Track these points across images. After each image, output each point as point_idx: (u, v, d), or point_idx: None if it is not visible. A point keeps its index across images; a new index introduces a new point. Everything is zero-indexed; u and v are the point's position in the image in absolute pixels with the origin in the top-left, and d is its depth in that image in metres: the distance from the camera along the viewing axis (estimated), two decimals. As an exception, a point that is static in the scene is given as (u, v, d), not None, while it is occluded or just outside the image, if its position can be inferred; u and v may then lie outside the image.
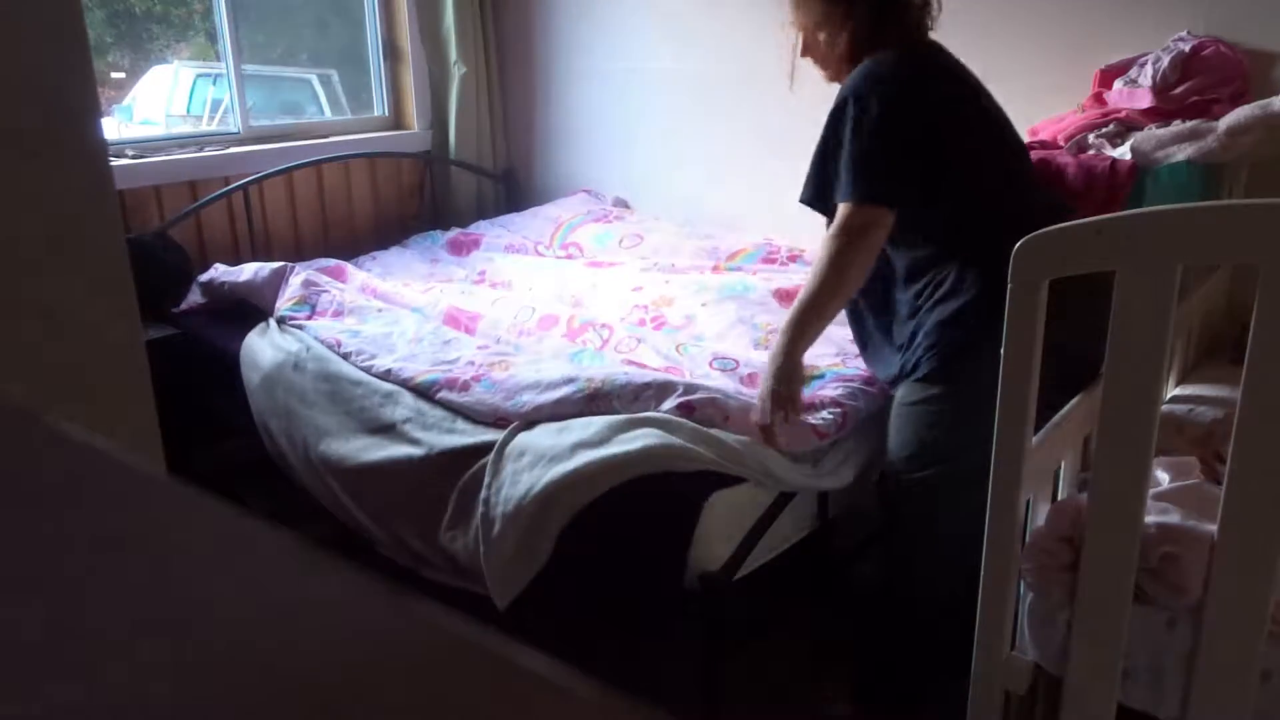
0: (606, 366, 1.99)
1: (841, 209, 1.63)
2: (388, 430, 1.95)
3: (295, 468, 2.14)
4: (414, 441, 1.88)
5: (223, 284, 2.56)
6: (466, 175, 3.41)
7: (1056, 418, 1.42)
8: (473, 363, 2.06)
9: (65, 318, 0.91)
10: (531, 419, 1.81)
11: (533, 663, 0.22)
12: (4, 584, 0.23)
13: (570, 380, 1.88)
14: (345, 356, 2.17)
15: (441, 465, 1.82)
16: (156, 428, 0.99)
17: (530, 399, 1.86)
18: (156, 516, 0.27)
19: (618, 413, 1.77)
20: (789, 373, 1.67)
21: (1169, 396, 1.75)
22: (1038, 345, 1.11)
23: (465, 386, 1.95)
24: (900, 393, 1.72)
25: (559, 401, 1.82)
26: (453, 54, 3.25)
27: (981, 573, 1.22)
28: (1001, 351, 1.16)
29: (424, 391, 1.98)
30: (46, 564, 0.25)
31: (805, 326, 1.67)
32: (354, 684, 0.21)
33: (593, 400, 1.81)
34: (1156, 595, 1.13)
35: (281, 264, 2.57)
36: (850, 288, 1.67)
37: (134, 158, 2.72)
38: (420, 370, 2.04)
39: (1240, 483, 1.01)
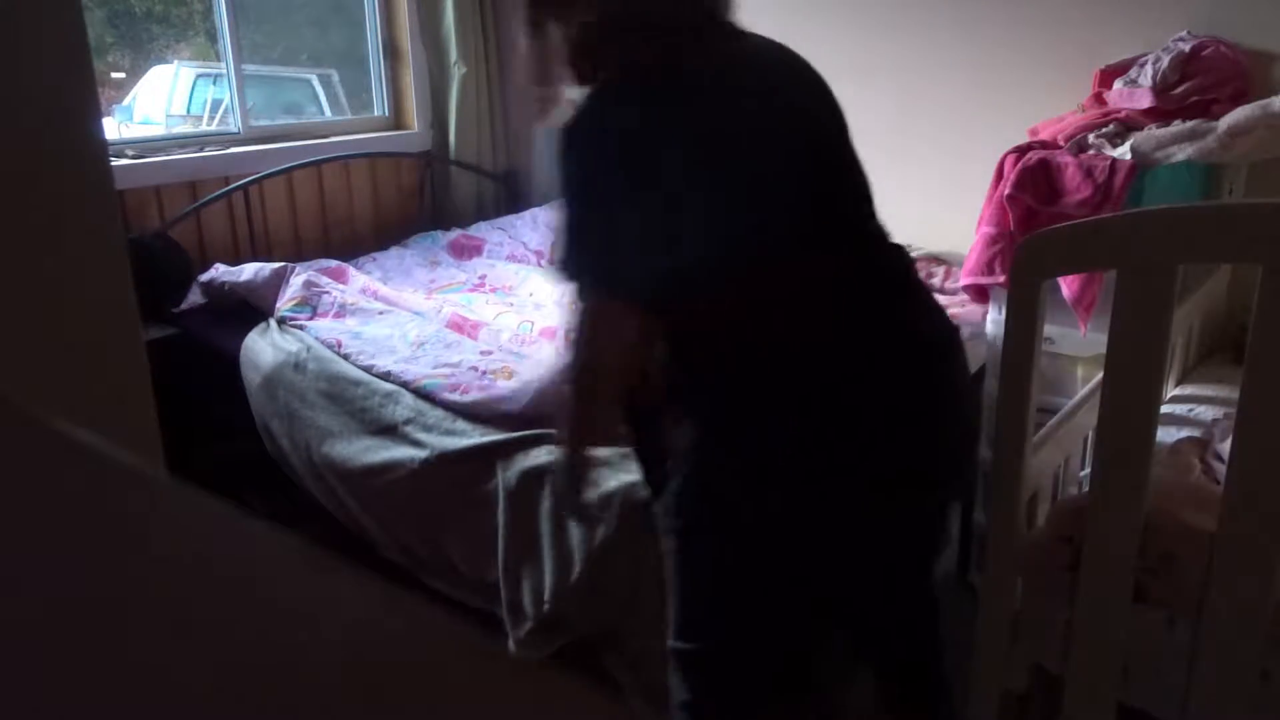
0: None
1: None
2: (389, 431, 1.95)
3: (297, 468, 2.14)
4: (416, 444, 1.88)
5: (223, 284, 2.56)
6: (466, 175, 3.41)
7: (1056, 418, 1.42)
8: (475, 367, 2.06)
9: (65, 318, 0.91)
10: (530, 413, 1.81)
11: (534, 665, 0.22)
12: (3, 585, 0.23)
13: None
14: (346, 357, 2.17)
15: (443, 468, 1.81)
16: (156, 428, 0.98)
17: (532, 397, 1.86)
18: (156, 516, 0.27)
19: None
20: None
21: (1169, 396, 1.75)
22: (1038, 345, 1.11)
23: (466, 390, 1.94)
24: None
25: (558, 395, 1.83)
26: (453, 54, 3.25)
27: (982, 573, 1.22)
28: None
29: (425, 395, 1.98)
30: (46, 565, 0.25)
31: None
32: (354, 685, 0.21)
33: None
34: (1157, 595, 1.13)
35: (282, 264, 2.57)
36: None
37: (134, 158, 2.72)
38: (422, 373, 2.04)
39: (1240, 483, 1.01)
